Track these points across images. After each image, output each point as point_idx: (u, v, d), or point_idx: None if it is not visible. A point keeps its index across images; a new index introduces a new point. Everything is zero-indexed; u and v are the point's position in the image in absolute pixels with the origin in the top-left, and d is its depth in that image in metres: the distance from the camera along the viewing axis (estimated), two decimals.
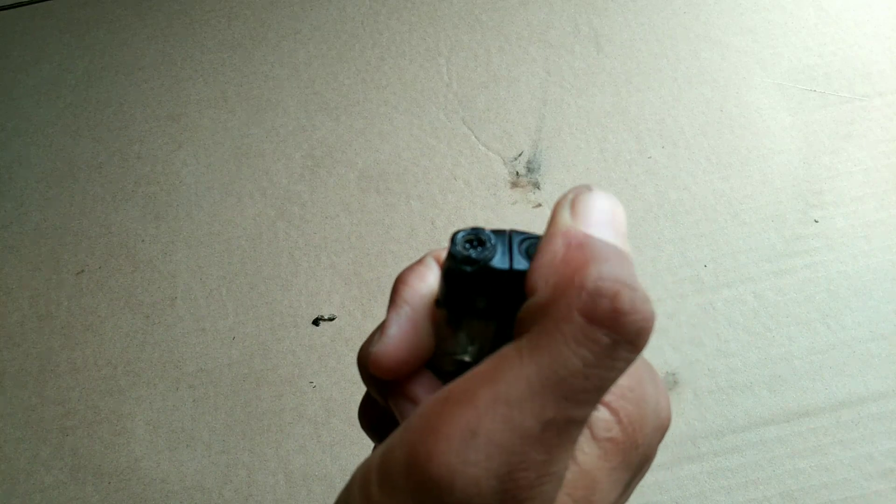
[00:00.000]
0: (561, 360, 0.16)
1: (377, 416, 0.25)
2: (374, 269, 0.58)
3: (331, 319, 0.57)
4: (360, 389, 0.54)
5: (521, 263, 0.19)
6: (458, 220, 0.60)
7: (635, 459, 0.20)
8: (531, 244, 0.20)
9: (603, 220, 0.19)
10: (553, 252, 0.18)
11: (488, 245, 0.19)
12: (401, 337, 0.21)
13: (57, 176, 0.66)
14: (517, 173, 0.61)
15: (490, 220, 0.59)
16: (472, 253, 0.19)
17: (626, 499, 0.21)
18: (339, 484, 0.51)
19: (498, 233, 0.20)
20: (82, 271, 0.61)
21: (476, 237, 0.19)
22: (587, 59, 0.66)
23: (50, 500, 0.52)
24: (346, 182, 0.63)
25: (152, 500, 0.51)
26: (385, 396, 0.22)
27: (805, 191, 0.58)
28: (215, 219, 0.62)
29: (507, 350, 0.17)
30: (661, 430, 0.21)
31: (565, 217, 0.19)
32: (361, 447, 0.52)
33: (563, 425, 0.16)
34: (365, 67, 0.68)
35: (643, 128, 0.62)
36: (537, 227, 0.59)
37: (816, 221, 0.57)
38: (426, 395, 0.21)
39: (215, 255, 0.60)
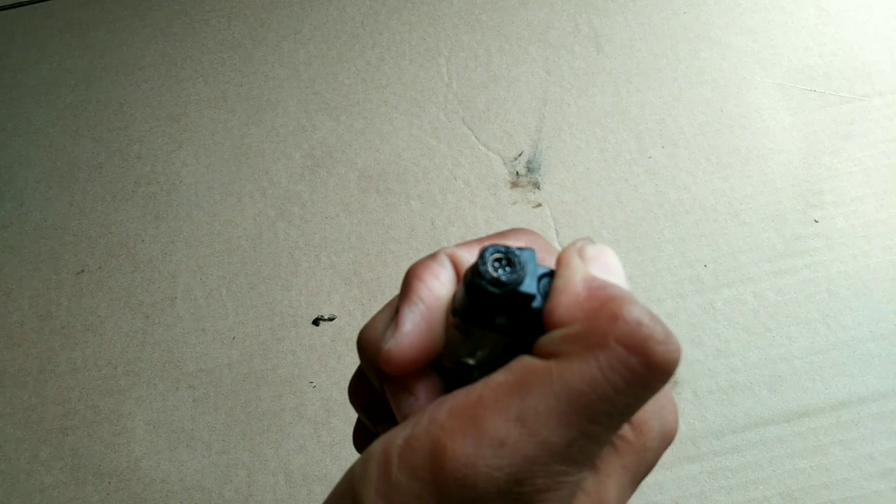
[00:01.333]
0: (592, 384, 0.17)
1: (370, 395, 0.25)
2: (374, 269, 0.58)
3: (331, 319, 0.57)
4: None
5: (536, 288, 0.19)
6: (458, 220, 0.60)
7: (644, 464, 0.20)
8: (543, 273, 0.20)
9: (613, 267, 0.20)
10: (575, 290, 0.19)
11: (518, 268, 0.19)
12: (415, 334, 0.21)
13: (57, 176, 0.66)
14: (517, 173, 0.61)
15: (490, 220, 0.59)
16: (502, 275, 0.19)
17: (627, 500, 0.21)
18: None
19: (522, 251, 0.19)
20: (82, 271, 0.61)
21: (505, 256, 0.19)
22: (587, 59, 0.66)
23: (50, 500, 0.52)
24: (346, 182, 0.63)
25: (152, 500, 0.51)
26: (382, 383, 0.22)
27: (805, 191, 0.58)
28: (215, 219, 0.62)
29: (534, 364, 0.18)
30: (667, 436, 0.21)
31: (578, 261, 0.20)
32: None
33: (585, 444, 0.17)
34: (365, 67, 0.68)
35: (643, 128, 0.62)
36: (537, 226, 0.59)
37: (816, 221, 0.57)
38: (425, 389, 0.22)
39: (215, 255, 0.60)
